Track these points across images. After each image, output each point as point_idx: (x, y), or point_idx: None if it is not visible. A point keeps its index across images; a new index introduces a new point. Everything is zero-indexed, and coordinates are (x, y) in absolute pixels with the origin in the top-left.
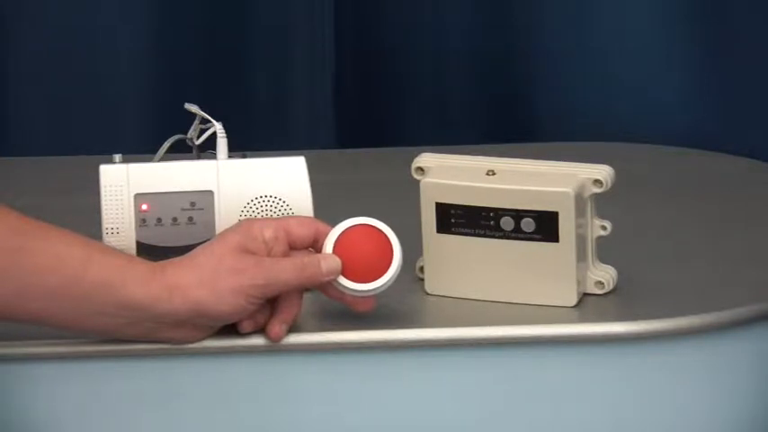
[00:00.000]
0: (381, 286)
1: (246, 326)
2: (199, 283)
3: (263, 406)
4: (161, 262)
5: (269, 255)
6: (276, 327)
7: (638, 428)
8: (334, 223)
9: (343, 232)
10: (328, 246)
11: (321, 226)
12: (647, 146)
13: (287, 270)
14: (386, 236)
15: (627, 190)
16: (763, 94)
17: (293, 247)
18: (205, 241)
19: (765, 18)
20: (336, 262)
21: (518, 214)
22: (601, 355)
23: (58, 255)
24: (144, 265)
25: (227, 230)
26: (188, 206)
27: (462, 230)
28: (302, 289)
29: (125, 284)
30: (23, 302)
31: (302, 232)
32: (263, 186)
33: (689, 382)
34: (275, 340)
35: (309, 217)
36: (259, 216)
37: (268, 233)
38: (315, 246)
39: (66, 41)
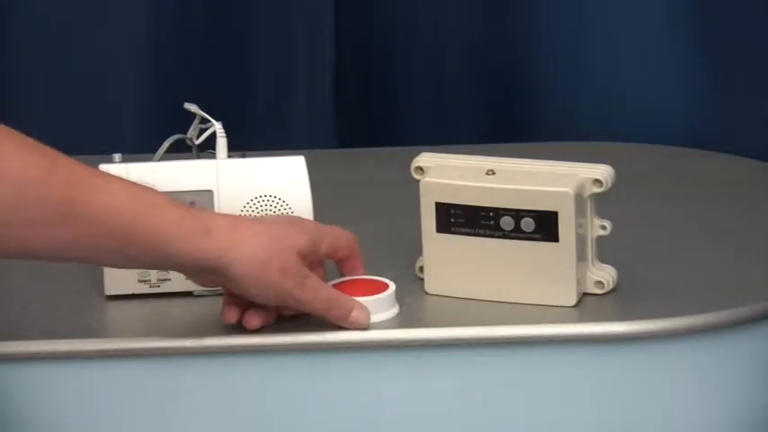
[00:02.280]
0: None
1: (230, 316)
2: (247, 262)
3: (263, 406)
4: (217, 218)
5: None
6: (256, 320)
7: (638, 428)
8: (333, 222)
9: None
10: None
11: (355, 246)
12: (647, 146)
13: (320, 300)
14: (383, 282)
15: (627, 190)
16: (763, 94)
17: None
18: None
19: (765, 18)
20: (366, 317)
21: (518, 214)
22: (600, 354)
23: (107, 207)
24: (197, 222)
25: (298, 221)
26: (188, 206)
27: (462, 230)
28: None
29: (174, 241)
30: (74, 250)
31: (342, 253)
32: (263, 186)
33: (689, 382)
34: (249, 328)
35: (350, 234)
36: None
37: (324, 249)
38: (342, 261)
39: (67, 41)
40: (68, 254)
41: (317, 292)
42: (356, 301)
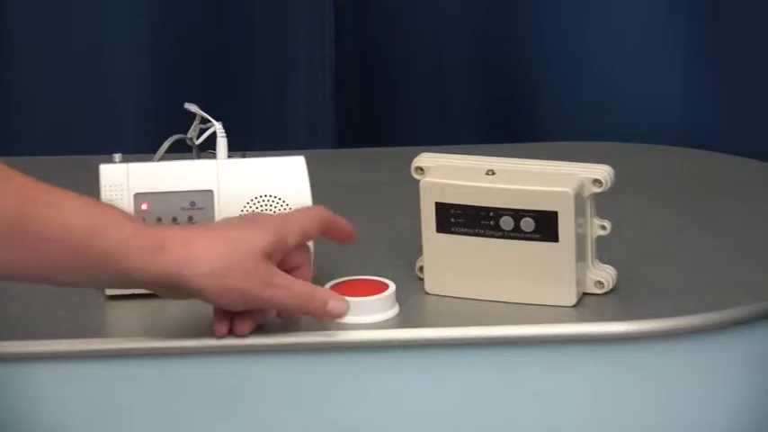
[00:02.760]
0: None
1: (221, 329)
2: (207, 274)
3: (263, 406)
4: (172, 233)
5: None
6: (246, 326)
7: (638, 428)
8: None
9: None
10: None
11: (327, 216)
12: (647, 146)
13: (293, 296)
14: (383, 282)
15: (627, 190)
16: (763, 94)
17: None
18: None
19: (765, 18)
20: (343, 307)
21: (518, 214)
22: (600, 354)
23: (63, 224)
24: (152, 238)
25: (261, 221)
26: (188, 206)
27: (462, 230)
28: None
29: (131, 258)
30: (27, 268)
31: (316, 233)
32: (263, 186)
33: (688, 382)
34: (240, 335)
35: (317, 211)
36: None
37: (292, 241)
38: (324, 234)
39: (67, 41)
40: (23, 272)
41: (287, 290)
42: (332, 292)
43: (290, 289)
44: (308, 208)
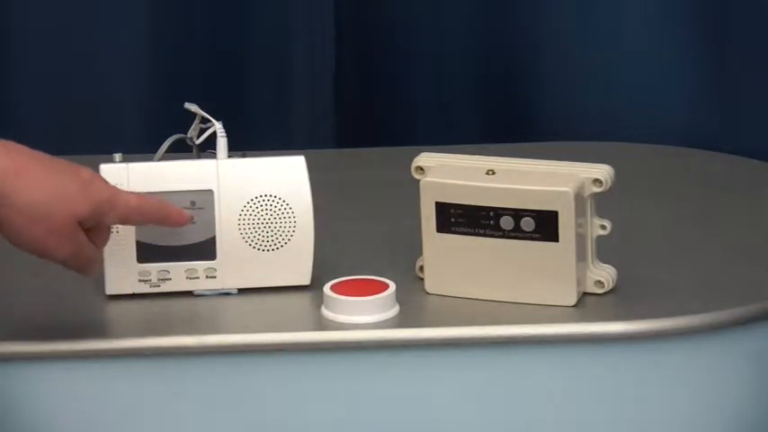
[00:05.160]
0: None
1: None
2: (19, 210)
3: (263, 406)
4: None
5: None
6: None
7: (638, 428)
8: (333, 222)
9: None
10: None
11: (152, 210)
12: (647, 146)
13: (80, 258)
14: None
15: (627, 190)
16: (763, 94)
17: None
18: (205, 240)
19: (765, 18)
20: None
21: (518, 214)
22: (600, 354)
23: None
24: None
25: (94, 186)
26: (188, 205)
27: (462, 230)
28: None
29: None
30: None
31: (136, 223)
32: (263, 186)
33: (688, 382)
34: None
35: (146, 203)
36: (259, 216)
37: (111, 220)
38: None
39: (66, 41)
40: None
41: (77, 251)
42: (95, 257)
43: (80, 251)
44: (141, 196)
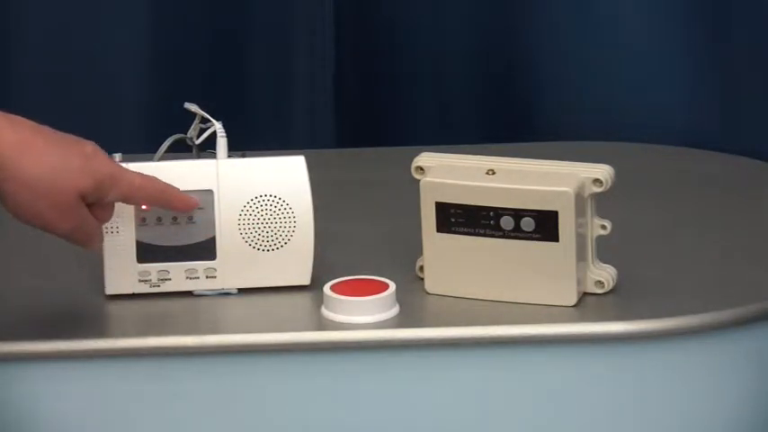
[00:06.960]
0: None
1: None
2: (22, 185)
3: (263, 406)
4: (7, 133)
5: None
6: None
7: (638, 428)
8: (333, 222)
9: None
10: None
11: (156, 193)
12: (647, 146)
13: (81, 232)
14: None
15: (627, 190)
16: (763, 94)
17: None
18: (205, 240)
19: (765, 18)
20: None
21: (518, 214)
22: (600, 354)
23: None
24: None
25: (97, 160)
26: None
27: (462, 230)
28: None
29: None
30: None
31: (138, 201)
32: (263, 186)
33: (688, 382)
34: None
35: (151, 183)
36: (259, 216)
37: (113, 197)
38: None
39: (66, 41)
40: None
41: (78, 225)
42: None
43: (81, 226)
44: (147, 178)
